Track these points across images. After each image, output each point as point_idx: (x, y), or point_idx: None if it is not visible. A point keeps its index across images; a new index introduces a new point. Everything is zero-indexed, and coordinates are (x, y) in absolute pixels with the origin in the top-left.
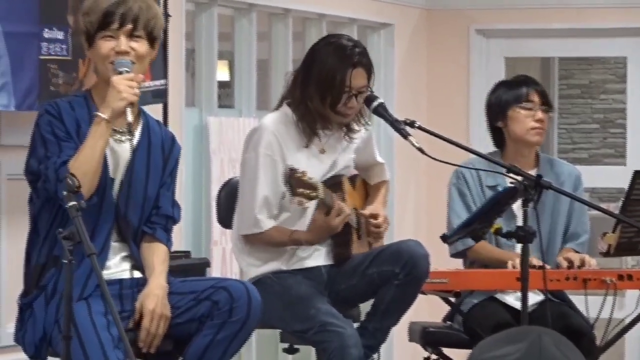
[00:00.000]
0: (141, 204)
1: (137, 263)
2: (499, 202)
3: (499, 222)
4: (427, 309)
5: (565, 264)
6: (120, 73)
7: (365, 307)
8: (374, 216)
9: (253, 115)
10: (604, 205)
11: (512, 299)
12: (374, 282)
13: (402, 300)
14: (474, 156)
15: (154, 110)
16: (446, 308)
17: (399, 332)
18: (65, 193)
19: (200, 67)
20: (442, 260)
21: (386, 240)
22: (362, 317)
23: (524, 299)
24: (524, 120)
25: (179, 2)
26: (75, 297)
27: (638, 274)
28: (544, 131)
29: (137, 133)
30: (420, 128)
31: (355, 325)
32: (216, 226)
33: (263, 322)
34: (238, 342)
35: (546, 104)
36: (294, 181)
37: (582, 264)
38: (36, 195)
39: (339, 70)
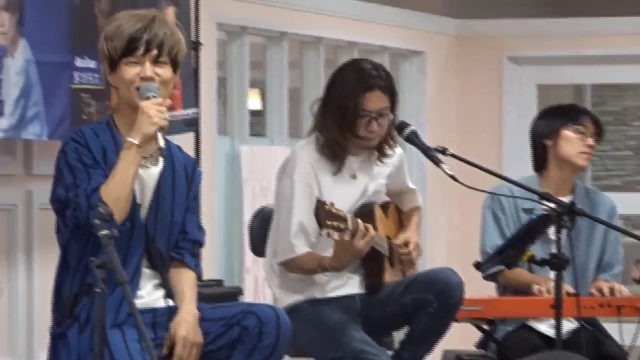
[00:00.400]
0: (168, 230)
1: (169, 290)
2: (532, 230)
3: (533, 250)
4: (461, 336)
5: (597, 294)
6: (148, 98)
7: (399, 335)
8: (406, 244)
9: (285, 143)
10: (638, 233)
11: (546, 327)
12: (408, 310)
13: (436, 328)
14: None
15: (186, 139)
16: (479, 335)
17: None
18: (97, 222)
19: (232, 95)
20: (475, 287)
21: (419, 268)
22: (396, 345)
23: (558, 327)
24: (576, 142)
25: (211, 30)
26: (108, 325)
27: None
28: (592, 157)
29: (161, 158)
30: (452, 155)
31: (389, 353)
32: (248, 254)
33: (297, 349)
34: None
35: (598, 134)
36: (323, 213)
37: (612, 292)
38: (64, 224)
39: (352, 94)
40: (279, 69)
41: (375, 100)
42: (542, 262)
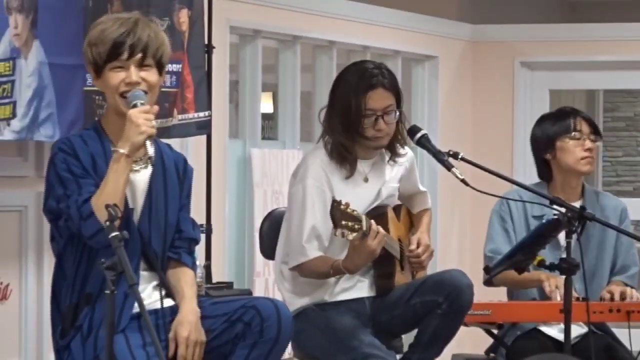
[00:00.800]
0: (163, 231)
1: (168, 290)
2: (542, 234)
3: (542, 254)
4: (470, 341)
5: (607, 296)
6: (135, 106)
7: (407, 339)
8: (417, 246)
9: (297, 147)
10: None
11: (556, 331)
12: (417, 312)
13: (445, 330)
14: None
15: (197, 142)
16: (489, 340)
17: None
18: (107, 223)
19: (244, 99)
20: (485, 291)
21: (430, 271)
22: (405, 349)
23: (567, 331)
24: (574, 150)
25: (223, 34)
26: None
27: None
28: (594, 160)
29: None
30: (464, 160)
31: (398, 356)
32: (259, 257)
33: (306, 353)
34: None
35: (595, 133)
36: (338, 213)
37: (623, 296)
38: (59, 233)
39: (354, 95)
40: (291, 72)
41: (378, 98)
42: (552, 267)
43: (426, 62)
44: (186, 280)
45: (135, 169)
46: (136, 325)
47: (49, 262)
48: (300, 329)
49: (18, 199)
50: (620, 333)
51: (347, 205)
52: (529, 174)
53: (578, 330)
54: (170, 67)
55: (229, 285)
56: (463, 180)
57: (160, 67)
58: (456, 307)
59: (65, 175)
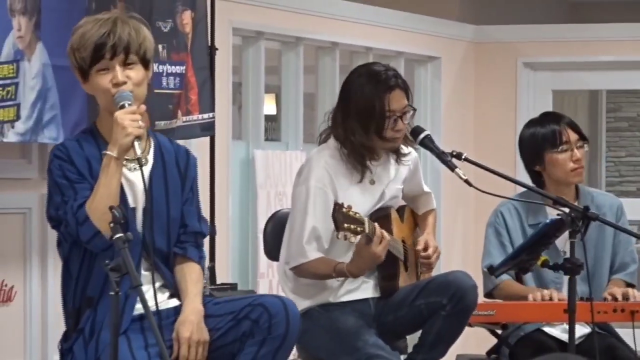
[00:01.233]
0: (166, 228)
1: (173, 290)
2: (545, 235)
3: (546, 254)
4: (474, 341)
5: (610, 298)
6: (123, 107)
7: (412, 339)
8: (425, 248)
9: (300, 148)
10: None
11: (559, 332)
12: (422, 313)
13: (449, 331)
14: (516, 194)
15: (201, 143)
16: (493, 340)
17: None
18: (111, 225)
19: (247, 100)
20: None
21: (434, 272)
22: (410, 350)
23: (571, 331)
24: (563, 163)
25: (226, 35)
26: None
27: None
28: (583, 168)
29: (150, 157)
30: (467, 160)
31: (403, 357)
32: (263, 259)
33: (310, 354)
34: (280, 358)
35: (581, 139)
36: (341, 216)
37: (626, 297)
38: (63, 238)
39: (376, 97)
40: (294, 74)
41: (397, 99)
42: (556, 267)
43: (429, 63)
44: (191, 276)
45: (134, 167)
46: (138, 327)
47: (53, 264)
48: (304, 329)
49: (22, 201)
50: (624, 333)
51: (350, 208)
52: None
53: (581, 330)
54: (173, 68)
55: (233, 286)
56: (466, 181)
57: (145, 62)
58: (460, 308)
59: (62, 182)
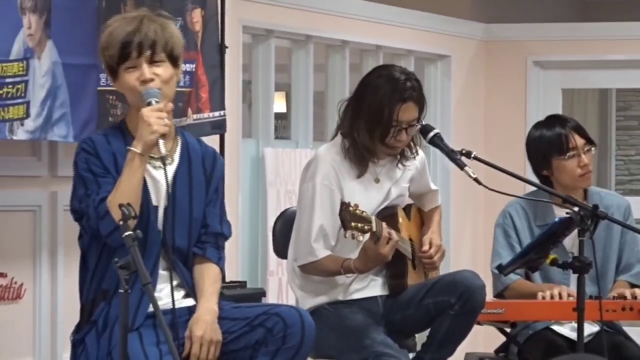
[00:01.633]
0: (188, 228)
1: (190, 290)
2: (555, 233)
3: (554, 254)
4: (483, 339)
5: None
6: (149, 104)
7: (421, 337)
8: (428, 247)
9: (310, 146)
10: None
11: (568, 330)
12: (430, 312)
13: (458, 330)
14: (525, 194)
15: (211, 141)
16: (502, 339)
17: None
18: (121, 223)
19: (257, 98)
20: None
21: (443, 271)
22: (418, 348)
23: (580, 330)
24: (571, 169)
25: (236, 34)
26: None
27: None
28: (592, 173)
29: (176, 156)
30: (476, 158)
31: (411, 355)
32: (272, 256)
33: (319, 352)
34: None
35: (588, 142)
36: (348, 215)
37: (634, 297)
38: (84, 230)
39: (387, 105)
40: (304, 72)
41: (408, 112)
42: (565, 265)
43: (439, 62)
44: (209, 276)
45: (157, 165)
46: (151, 323)
47: (63, 262)
48: None
49: (32, 198)
50: (632, 331)
51: (357, 206)
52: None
53: (590, 328)
54: (184, 66)
55: (242, 284)
56: (476, 179)
57: (173, 59)
58: (469, 307)
59: (86, 175)
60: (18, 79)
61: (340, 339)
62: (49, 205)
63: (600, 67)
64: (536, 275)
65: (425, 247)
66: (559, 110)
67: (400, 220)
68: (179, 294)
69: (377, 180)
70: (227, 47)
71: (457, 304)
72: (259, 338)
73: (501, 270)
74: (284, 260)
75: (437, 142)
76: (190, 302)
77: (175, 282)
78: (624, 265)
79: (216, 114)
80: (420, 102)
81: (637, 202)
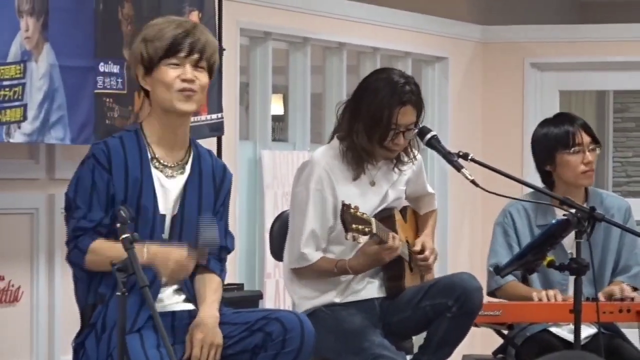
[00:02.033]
0: (194, 238)
1: (190, 295)
2: (552, 235)
3: (552, 255)
4: (480, 341)
5: (602, 298)
6: (203, 255)
7: (418, 340)
8: (422, 249)
9: (307, 148)
10: None
11: (565, 332)
12: (427, 314)
13: (455, 332)
14: (525, 194)
15: (208, 143)
16: (499, 341)
17: None
18: (118, 225)
19: (254, 100)
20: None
21: (441, 273)
22: (415, 350)
23: (577, 331)
24: (574, 165)
25: (234, 36)
26: (127, 330)
27: None
28: (594, 172)
29: (188, 166)
30: (473, 160)
31: (408, 358)
32: (269, 259)
33: (317, 354)
34: None
35: (594, 142)
36: (348, 217)
37: (623, 293)
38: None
39: (387, 108)
40: (301, 74)
41: (407, 116)
42: (562, 267)
43: (436, 64)
44: (211, 285)
45: (171, 175)
46: (152, 325)
47: (60, 265)
48: None
49: (29, 201)
50: (630, 333)
51: (357, 208)
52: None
53: (587, 330)
54: None
55: (239, 286)
56: (473, 181)
57: (210, 72)
58: (466, 310)
59: (85, 184)
60: (15, 81)
61: (338, 342)
62: (47, 208)
63: (598, 68)
64: (535, 277)
65: (417, 248)
66: (556, 112)
67: (397, 222)
68: (180, 297)
69: (372, 183)
70: (224, 49)
71: (454, 306)
72: (258, 342)
73: (498, 271)
74: (281, 263)
75: (434, 144)
76: (190, 306)
77: (176, 286)
78: (621, 267)
79: (214, 116)
80: (419, 106)
81: (635, 203)
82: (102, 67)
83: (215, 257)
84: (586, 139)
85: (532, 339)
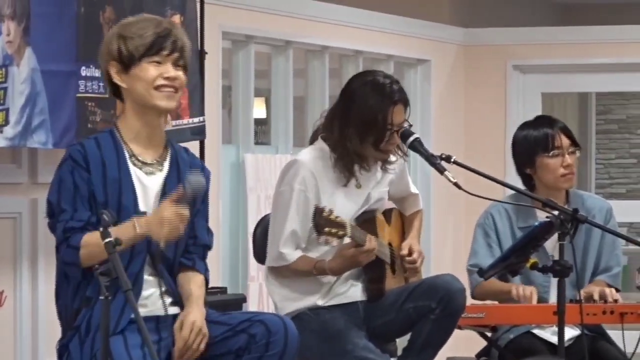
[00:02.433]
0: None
1: (176, 298)
2: (535, 237)
3: (536, 257)
4: (464, 344)
5: (584, 296)
6: (195, 195)
7: (402, 342)
8: (409, 252)
9: (290, 152)
10: None
11: (549, 334)
12: (411, 317)
13: (438, 334)
14: (507, 196)
15: (191, 147)
16: (483, 343)
17: None
18: (101, 229)
19: (237, 104)
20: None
21: (424, 274)
22: (399, 353)
23: (561, 333)
24: (554, 168)
25: (216, 39)
26: (110, 331)
27: None
28: (574, 175)
29: (166, 164)
30: (456, 163)
31: None
32: (253, 262)
33: (300, 357)
34: None
35: (573, 144)
36: (322, 220)
37: (602, 296)
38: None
39: (380, 110)
40: (284, 77)
41: (399, 114)
42: (545, 269)
43: (419, 66)
44: (195, 282)
45: (150, 171)
46: (136, 327)
47: (44, 269)
48: None
49: (12, 205)
50: (614, 335)
51: (331, 211)
52: None
53: (571, 332)
54: None
55: (222, 290)
56: (455, 184)
57: (186, 72)
58: (449, 311)
59: (67, 187)
60: None
61: (322, 344)
62: (30, 213)
63: (580, 70)
64: (517, 280)
65: (404, 252)
66: (538, 114)
67: (379, 224)
68: (167, 300)
69: (358, 186)
70: (206, 52)
71: (437, 308)
72: (242, 344)
73: (482, 274)
74: (264, 266)
75: (416, 146)
76: (177, 310)
77: (163, 288)
78: (602, 268)
79: (196, 120)
80: (407, 104)
81: (617, 205)
82: (84, 71)
83: (199, 257)
84: (565, 142)
85: (516, 341)
